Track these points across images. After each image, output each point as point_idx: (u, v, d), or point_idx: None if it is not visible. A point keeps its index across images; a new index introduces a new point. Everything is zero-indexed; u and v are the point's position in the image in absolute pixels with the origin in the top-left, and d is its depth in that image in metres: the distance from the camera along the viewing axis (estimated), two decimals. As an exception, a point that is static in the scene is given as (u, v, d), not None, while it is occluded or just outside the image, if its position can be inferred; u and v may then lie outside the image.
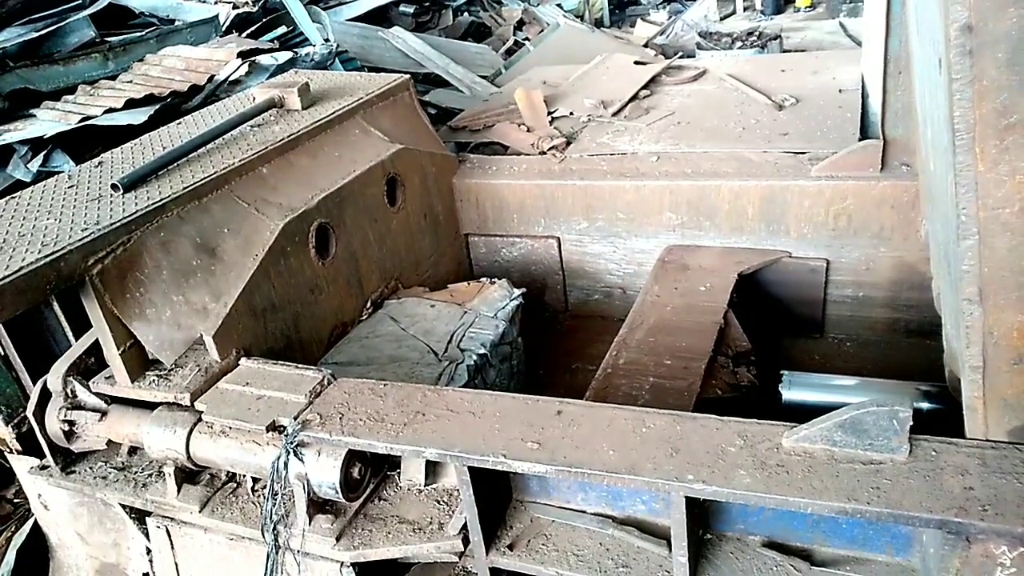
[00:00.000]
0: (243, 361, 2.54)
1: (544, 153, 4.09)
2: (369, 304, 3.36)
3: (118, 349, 2.47)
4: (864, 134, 3.57)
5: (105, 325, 2.43)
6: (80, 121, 4.15)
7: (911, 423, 1.76)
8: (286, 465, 2.20)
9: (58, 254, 2.32)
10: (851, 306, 3.54)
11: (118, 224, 2.50)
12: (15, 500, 3.14)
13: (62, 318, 2.72)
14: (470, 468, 2.09)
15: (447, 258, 4.02)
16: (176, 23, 5.62)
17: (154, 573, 2.68)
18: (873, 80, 3.50)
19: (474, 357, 2.97)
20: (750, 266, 3.51)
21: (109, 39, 5.08)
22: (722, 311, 3.28)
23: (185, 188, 2.71)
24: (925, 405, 2.64)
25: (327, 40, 6.11)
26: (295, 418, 2.20)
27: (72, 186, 2.80)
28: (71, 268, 2.35)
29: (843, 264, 3.45)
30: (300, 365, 2.43)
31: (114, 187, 2.67)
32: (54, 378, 2.56)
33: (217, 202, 2.79)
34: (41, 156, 4.10)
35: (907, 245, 3.31)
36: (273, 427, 2.21)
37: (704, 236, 3.68)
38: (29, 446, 2.77)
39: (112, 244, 2.47)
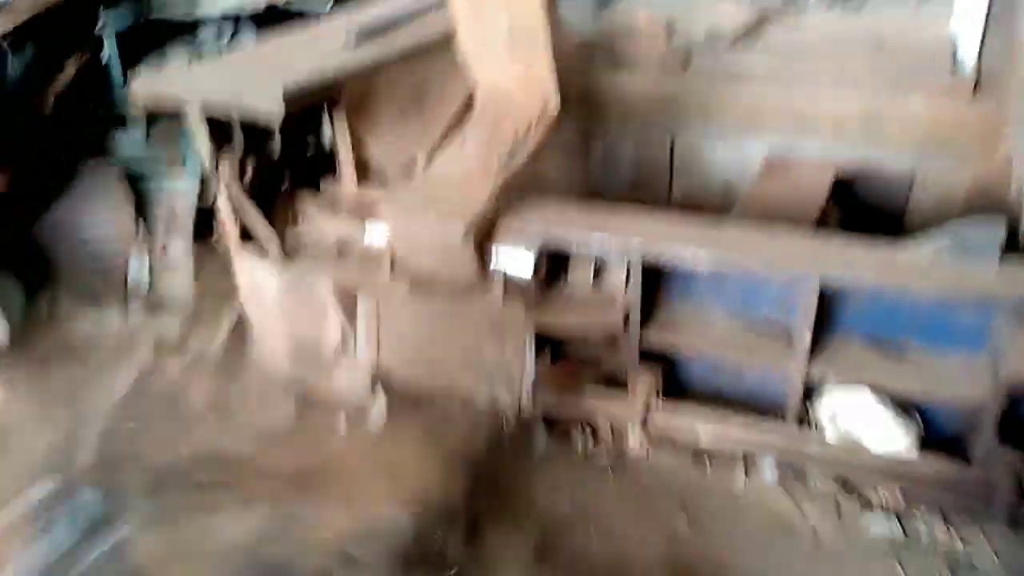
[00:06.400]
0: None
1: (661, 67, 4.62)
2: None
3: (350, 160, 3.11)
4: (959, 71, 4.08)
5: (346, 139, 3.06)
6: (266, 5, 4.73)
7: (1003, 240, 2.35)
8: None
9: (326, 75, 2.94)
10: (931, 218, 4.07)
11: (352, 66, 3.11)
12: (220, 291, 3.78)
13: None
14: (642, 262, 2.71)
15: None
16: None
17: (351, 345, 3.34)
18: (970, 22, 4.01)
19: None
20: (844, 174, 4.06)
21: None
22: (818, 210, 3.84)
23: (407, 45, 3.30)
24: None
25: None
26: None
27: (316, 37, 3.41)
28: (326, 90, 2.97)
29: (928, 179, 3.99)
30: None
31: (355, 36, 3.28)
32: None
33: (429, 60, 3.38)
34: (230, 32, 4.69)
35: (987, 166, 3.85)
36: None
37: (806, 146, 4.22)
38: (248, 235, 3.43)
39: (355, 76, 3.08)
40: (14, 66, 3.83)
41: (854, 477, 2.95)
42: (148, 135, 3.92)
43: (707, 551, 2.88)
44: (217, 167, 3.15)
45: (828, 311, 2.74)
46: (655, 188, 4.62)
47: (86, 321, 3.38)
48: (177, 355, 3.46)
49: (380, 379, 3.49)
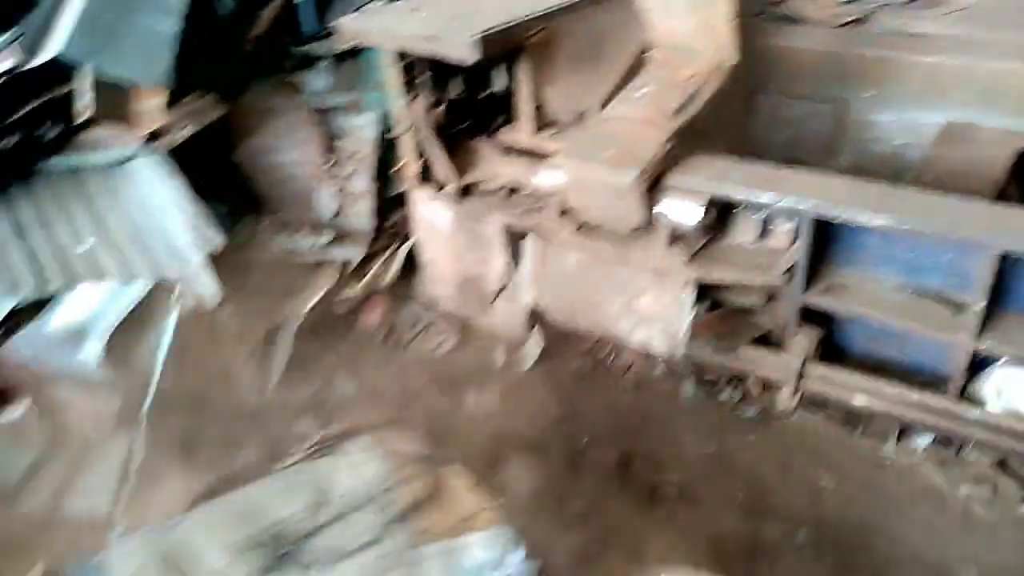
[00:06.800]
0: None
1: (837, 27, 4.49)
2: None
3: (529, 106, 3.27)
4: None
5: (528, 85, 3.22)
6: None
7: None
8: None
9: (514, 23, 3.09)
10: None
11: (541, 13, 3.24)
12: (395, 227, 4.10)
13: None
14: (813, 220, 2.74)
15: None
16: None
17: (513, 284, 3.56)
18: None
19: None
20: (1026, 148, 3.84)
21: None
22: (997, 184, 3.68)
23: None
24: None
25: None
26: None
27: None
28: (518, 36, 3.13)
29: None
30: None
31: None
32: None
33: (607, 11, 3.47)
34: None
35: None
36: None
37: (987, 117, 4.01)
38: (427, 177, 3.68)
39: (537, 27, 3.22)
40: (223, 7, 4.22)
41: (1015, 455, 2.90)
42: (335, 74, 4.23)
43: (851, 511, 2.93)
44: (406, 106, 3.40)
45: (1004, 283, 2.68)
46: (820, 151, 4.52)
47: (280, 244, 3.77)
48: (357, 281, 3.80)
49: (537, 318, 3.70)
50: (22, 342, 3.07)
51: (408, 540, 2.02)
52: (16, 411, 2.95)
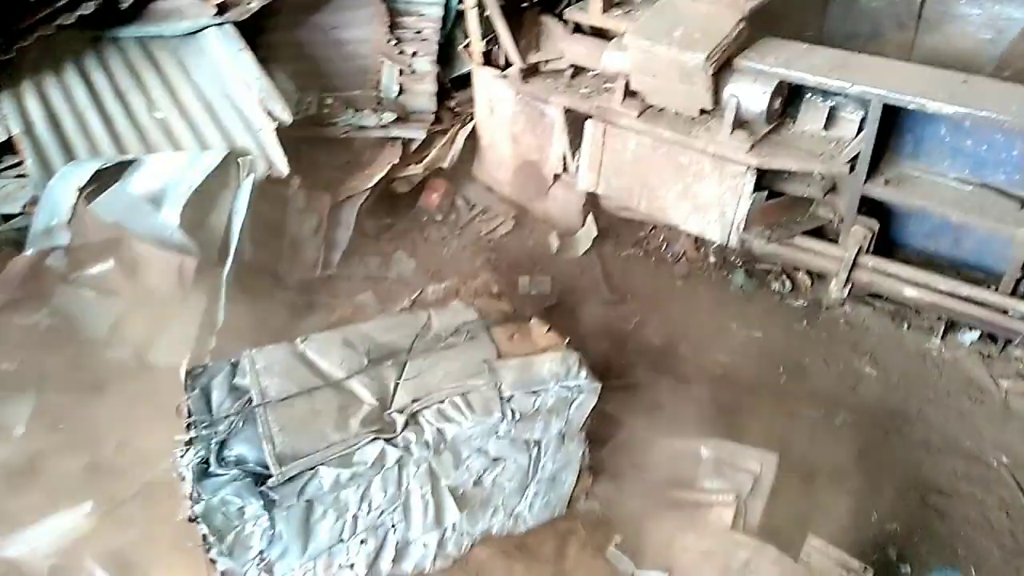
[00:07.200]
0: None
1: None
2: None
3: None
4: None
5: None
6: None
7: None
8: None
9: None
10: None
11: None
12: (456, 108, 4.14)
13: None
14: (882, 108, 2.72)
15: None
16: None
17: (571, 169, 3.61)
18: None
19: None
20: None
21: None
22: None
23: None
24: None
25: None
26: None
27: None
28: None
29: None
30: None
31: None
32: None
33: None
34: None
35: None
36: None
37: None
38: (492, 58, 3.69)
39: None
40: None
41: (1061, 354, 2.95)
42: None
43: (891, 399, 3.03)
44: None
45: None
46: (896, 42, 4.38)
47: (345, 121, 3.84)
48: (418, 162, 3.87)
49: (593, 205, 3.77)
50: (105, 204, 3.23)
51: (491, 355, 2.28)
52: (102, 266, 3.14)
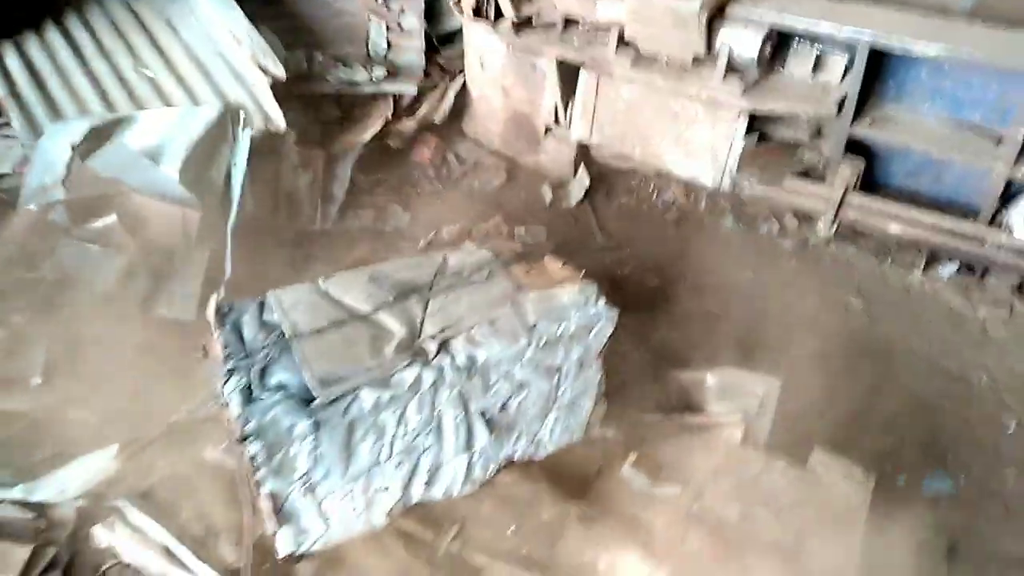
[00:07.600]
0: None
1: None
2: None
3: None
4: None
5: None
6: None
7: None
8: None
9: None
10: None
11: None
12: (444, 65, 4.18)
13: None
14: (868, 51, 2.86)
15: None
16: None
17: (564, 120, 3.69)
18: None
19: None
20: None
21: None
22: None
23: None
24: None
25: None
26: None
27: None
28: None
29: None
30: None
31: None
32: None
33: None
34: None
35: None
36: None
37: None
38: (481, 12, 3.73)
39: None
40: None
41: (1034, 281, 3.15)
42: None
43: (879, 329, 3.20)
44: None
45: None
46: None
47: (336, 77, 3.86)
48: (410, 117, 3.92)
49: (584, 156, 3.86)
50: (103, 160, 3.22)
51: (511, 288, 2.36)
52: (105, 220, 3.13)
